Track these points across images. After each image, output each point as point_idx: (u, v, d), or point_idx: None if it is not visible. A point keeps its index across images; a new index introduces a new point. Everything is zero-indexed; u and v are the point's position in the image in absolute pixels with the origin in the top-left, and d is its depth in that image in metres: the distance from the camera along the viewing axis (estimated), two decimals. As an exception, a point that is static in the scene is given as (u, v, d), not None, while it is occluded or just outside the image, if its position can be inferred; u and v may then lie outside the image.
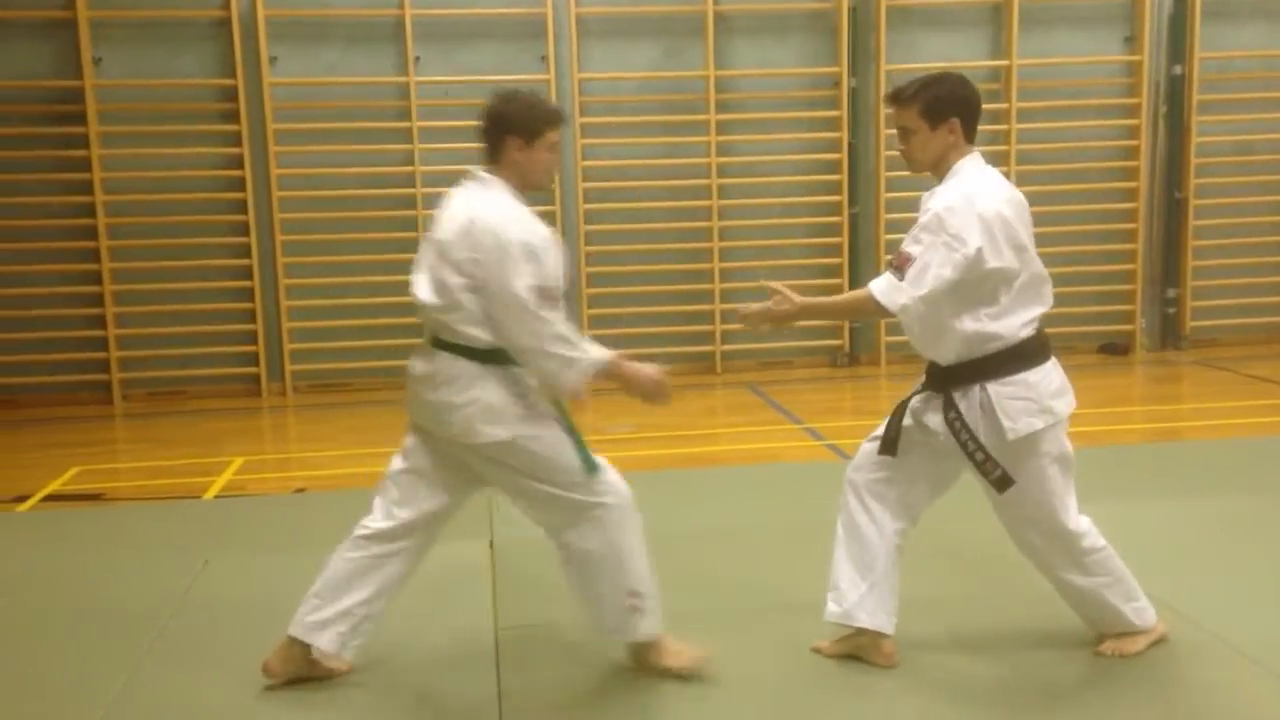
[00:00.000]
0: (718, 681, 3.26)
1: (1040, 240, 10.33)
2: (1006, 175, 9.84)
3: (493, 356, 3.05)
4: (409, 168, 8.32)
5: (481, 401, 3.04)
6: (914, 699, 3.16)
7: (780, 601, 3.88)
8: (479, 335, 3.03)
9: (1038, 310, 3.20)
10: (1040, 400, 3.13)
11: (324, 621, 3.18)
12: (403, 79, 8.33)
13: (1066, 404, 3.20)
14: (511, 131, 3.09)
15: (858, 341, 9.08)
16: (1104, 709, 3.10)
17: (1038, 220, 9.68)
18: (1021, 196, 3.25)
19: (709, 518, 4.78)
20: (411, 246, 8.94)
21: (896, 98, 3.22)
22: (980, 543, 3.93)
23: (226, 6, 8.16)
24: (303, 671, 3.27)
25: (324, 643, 3.20)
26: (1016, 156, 8.84)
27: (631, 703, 3.19)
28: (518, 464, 3.10)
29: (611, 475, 3.21)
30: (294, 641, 3.23)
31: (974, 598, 3.86)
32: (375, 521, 3.21)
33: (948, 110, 3.17)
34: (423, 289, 3.08)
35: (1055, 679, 3.26)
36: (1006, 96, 8.85)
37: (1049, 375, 3.17)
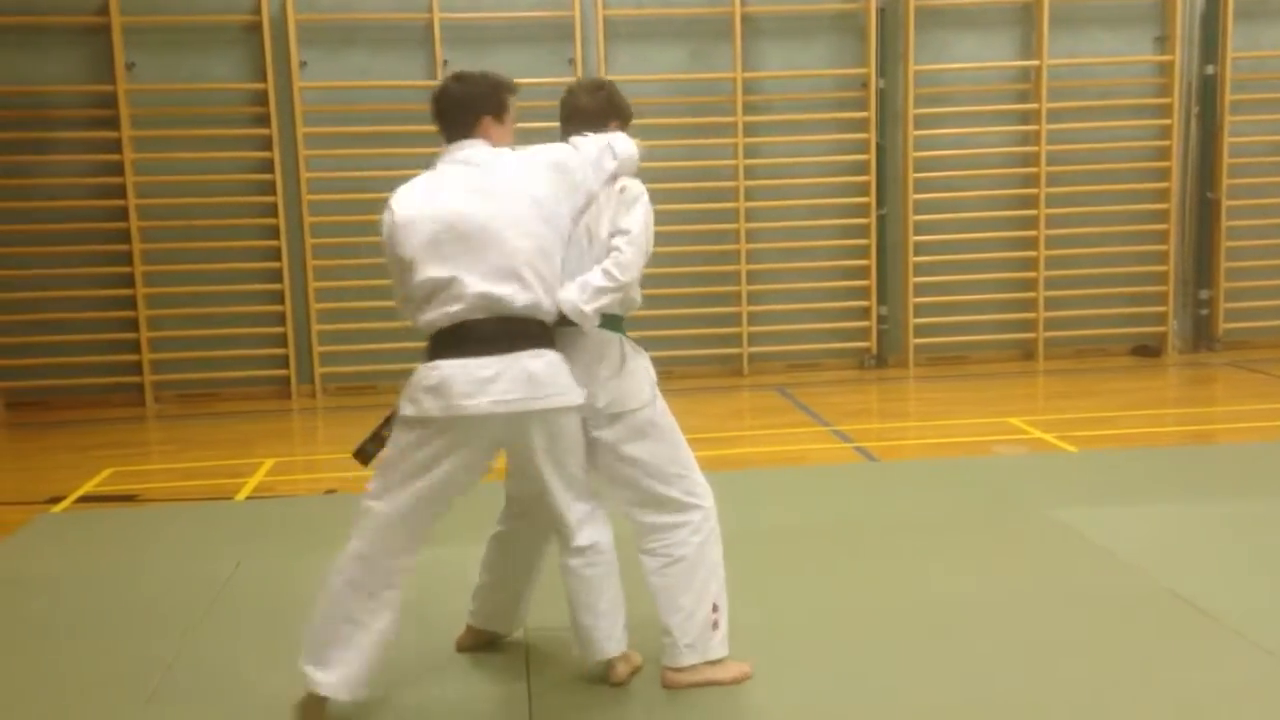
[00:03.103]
0: (748, 690, 3.26)
1: (1071, 241, 10.22)
2: (1036, 176, 9.70)
3: None
4: (437, 171, 8.35)
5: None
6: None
7: (814, 607, 3.87)
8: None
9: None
10: None
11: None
12: (431, 82, 8.37)
13: None
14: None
15: (885, 344, 9.05)
16: (1129, 712, 3.08)
17: (1069, 221, 9.58)
18: None
19: (735, 521, 4.77)
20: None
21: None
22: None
23: (257, 11, 8.23)
24: (481, 641, 3.59)
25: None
26: (1047, 157, 8.79)
27: (659, 705, 3.19)
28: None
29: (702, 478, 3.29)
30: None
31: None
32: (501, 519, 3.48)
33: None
34: None
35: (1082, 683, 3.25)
36: (1036, 97, 8.79)
37: None
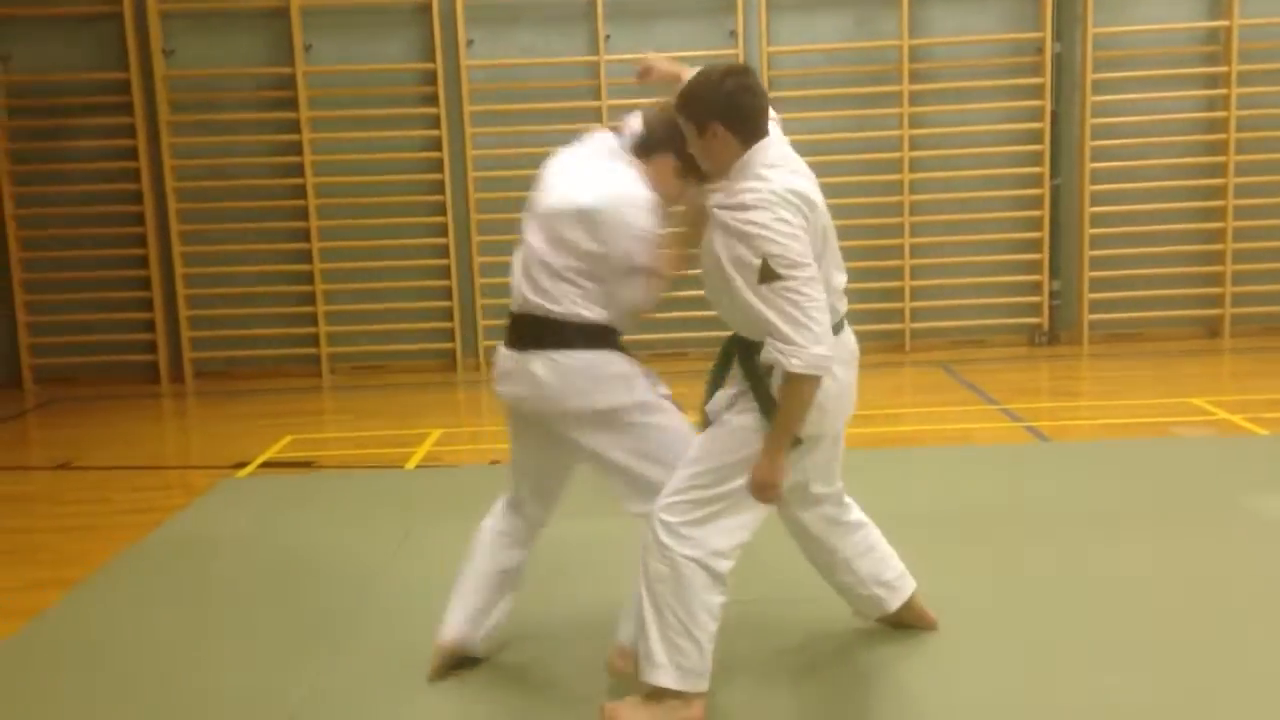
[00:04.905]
0: (916, 683, 3.19)
1: (1262, 212, 9.58)
2: (1225, 144, 9.07)
3: None
4: (599, 146, 8.42)
5: None
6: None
7: (987, 597, 3.76)
8: None
9: None
10: None
11: None
12: (593, 58, 8.42)
13: None
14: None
15: (1058, 319, 8.71)
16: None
17: (1260, 191, 9.02)
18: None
19: (898, 502, 4.67)
20: (601, 224, 9.01)
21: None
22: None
23: (427, -8, 8.44)
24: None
25: None
26: (1236, 124, 8.27)
27: (864, 679, 3.15)
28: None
29: None
30: None
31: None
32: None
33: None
34: None
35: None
36: (1226, 59, 8.28)
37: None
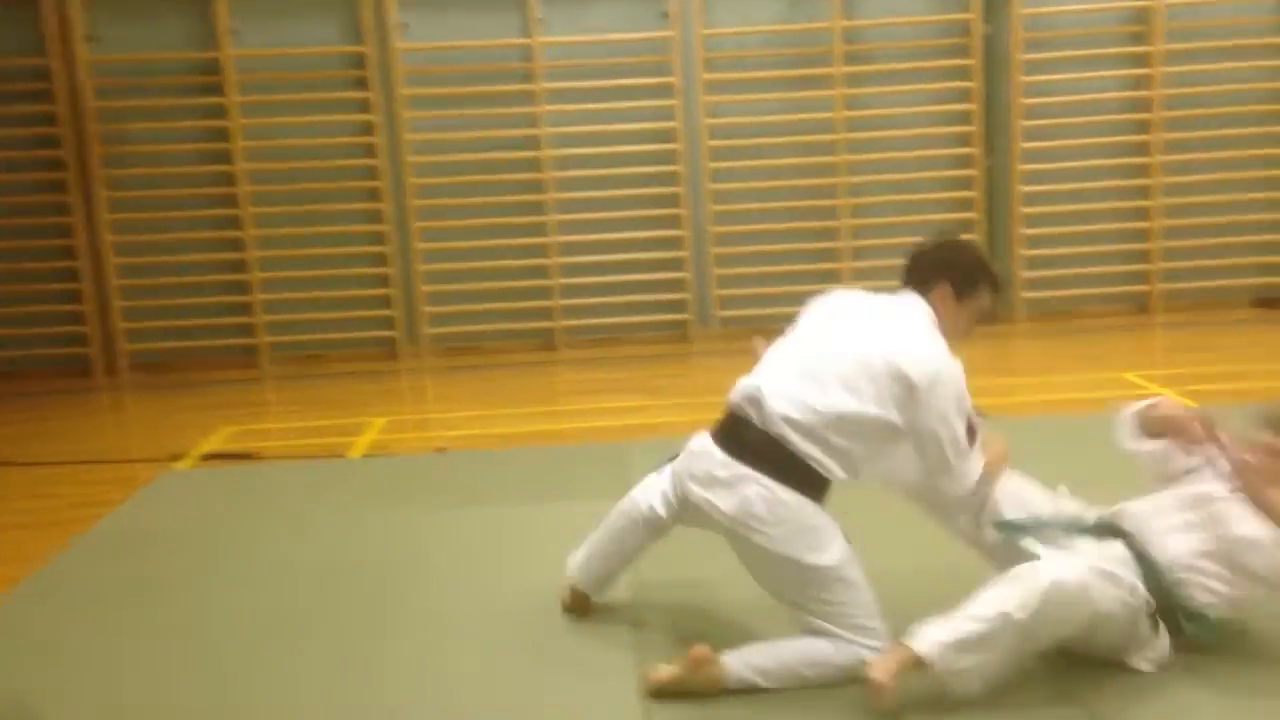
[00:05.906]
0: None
1: (1190, 189, 9.75)
2: (1152, 123, 9.17)
3: None
4: (534, 130, 8.39)
5: None
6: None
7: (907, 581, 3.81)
8: None
9: None
10: None
11: None
12: (526, 41, 8.38)
13: None
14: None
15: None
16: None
17: (1188, 169, 9.13)
18: None
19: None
20: (538, 209, 9.04)
21: None
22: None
23: (357, -26, 8.31)
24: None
25: None
26: (1164, 102, 8.46)
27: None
28: None
29: None
30: None
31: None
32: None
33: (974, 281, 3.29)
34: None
35: None
36: (1152, 39, 8.45)
37: None
